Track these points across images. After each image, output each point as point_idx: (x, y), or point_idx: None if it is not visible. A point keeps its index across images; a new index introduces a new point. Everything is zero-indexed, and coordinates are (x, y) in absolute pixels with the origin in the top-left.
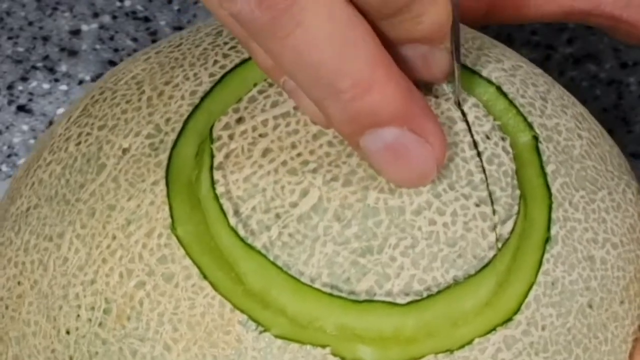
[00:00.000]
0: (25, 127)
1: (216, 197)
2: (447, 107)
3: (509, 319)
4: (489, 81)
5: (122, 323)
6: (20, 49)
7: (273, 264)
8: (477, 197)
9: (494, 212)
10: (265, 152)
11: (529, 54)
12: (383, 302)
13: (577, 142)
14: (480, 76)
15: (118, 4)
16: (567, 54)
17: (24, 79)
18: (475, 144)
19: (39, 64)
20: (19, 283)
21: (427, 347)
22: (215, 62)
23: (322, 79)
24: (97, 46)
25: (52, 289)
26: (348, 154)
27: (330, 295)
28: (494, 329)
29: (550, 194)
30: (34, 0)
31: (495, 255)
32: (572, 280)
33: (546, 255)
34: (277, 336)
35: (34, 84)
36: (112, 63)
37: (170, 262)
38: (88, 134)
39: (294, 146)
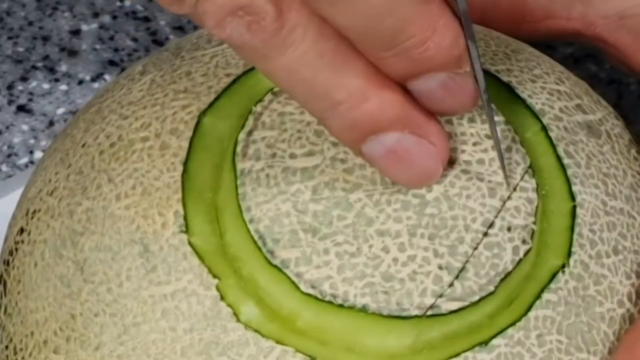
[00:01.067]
0: (25, 127)
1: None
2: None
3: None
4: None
5: None
6: (20, 49)
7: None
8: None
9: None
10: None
11: None
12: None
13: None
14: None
15: (118, 3)
16: (567, 54)
17: (24, 79)
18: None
19: (39, 64)
20: None
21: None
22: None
23: (318, 93)
24: (97, 46)
25: None
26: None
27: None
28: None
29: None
30: (34, 0)
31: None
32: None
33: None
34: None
35: (34, 84)
36: (112, 63)
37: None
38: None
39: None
